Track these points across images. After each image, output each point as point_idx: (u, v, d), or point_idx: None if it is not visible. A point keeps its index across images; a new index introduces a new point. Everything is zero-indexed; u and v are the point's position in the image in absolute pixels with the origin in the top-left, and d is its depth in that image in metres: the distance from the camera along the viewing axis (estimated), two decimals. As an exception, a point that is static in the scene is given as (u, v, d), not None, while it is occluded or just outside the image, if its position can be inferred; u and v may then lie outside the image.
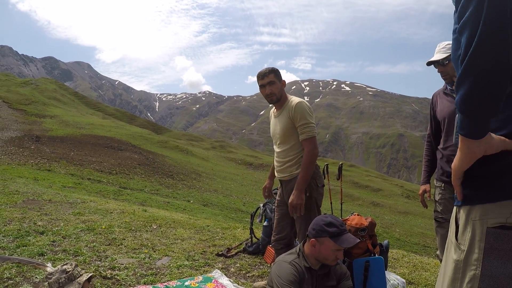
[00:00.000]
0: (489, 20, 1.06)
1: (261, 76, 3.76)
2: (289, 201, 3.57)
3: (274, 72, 3.76)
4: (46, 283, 2.72)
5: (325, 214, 3.13)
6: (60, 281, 2.68)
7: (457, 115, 1.26)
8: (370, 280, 3.70)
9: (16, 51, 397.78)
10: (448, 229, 1.52)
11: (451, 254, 1.42)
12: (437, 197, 3.70)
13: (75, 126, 35.03)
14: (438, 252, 3.77)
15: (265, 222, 5.51)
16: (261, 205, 5.76)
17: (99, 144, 26.91)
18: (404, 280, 4.27)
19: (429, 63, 3.59)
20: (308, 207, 3.63)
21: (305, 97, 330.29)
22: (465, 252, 1.34)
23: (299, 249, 3.01)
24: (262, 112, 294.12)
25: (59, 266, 2.76)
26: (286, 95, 3.84)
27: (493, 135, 1.26)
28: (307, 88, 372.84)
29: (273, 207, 5.24)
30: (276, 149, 3.91)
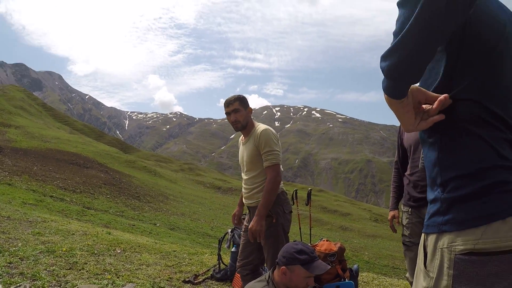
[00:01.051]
0: (427, 4, 1.12)
1: (226, 104, 3.82)
2: (249, 226, 3.56)
3: (239, 100, 3.81)
4: None
5: (295, 241, 3.08)
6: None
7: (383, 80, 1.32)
8: (340, 305, 3.67)
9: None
10: (416, 252, 1.52)
11: (421, 282, 1.43)
12: (405, 222, 3.81)
13: (40, 139, 34.29)
14: (407, 275, 3.86)
15: (233, 248, 5.43)
16: (229, 230, 5.69)
17: (64, 160, 26.27)
18: (374, 305, 4.23)
19: None
20: (275, 234, 3.63)
21: (276, 123, 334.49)
22: (434, 279, 1.36)
23: (269, 276, 2.94)
24: (232, 136, 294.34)
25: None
26: (253, 122, 3.90)
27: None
28: (278, 114, 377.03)
29: (242, 232, 5.19)
30: (244, 176, 3.93)
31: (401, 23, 1.19)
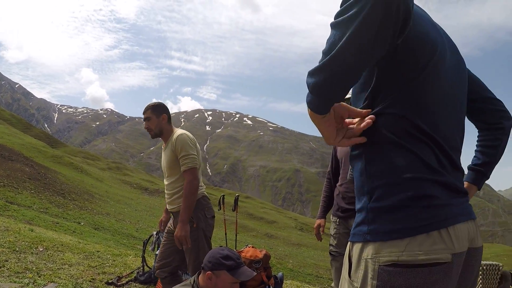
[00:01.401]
0: (359, 29, 1.15)
1: (143, 112, 4.02)
2: (175, 233, 3.62)
3: (152, 108, 3.99)
4: None
5: (221, 246, 3.12)
6: None
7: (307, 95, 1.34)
8: (264, 311, 3.74)
9: None
10: (342, 262, 1.55)
11: None
12: (332, 232, 3.89)
13: (-40, 128, 32.17)
14: (333, 284, 3.95)
15: (158, 250, 5.39)
16: (155, 233, 5.66)
17: (-12, 150, 24.86)
18: (296, 312, 4.33)
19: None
20: (196, 238, 3.70)
21: (207, 127, 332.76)
22: None
23: (194, 281, 2.97)
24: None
25: None
26: (171, 128, 4.03)
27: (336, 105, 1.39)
28: (210, 118, 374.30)
29: (164, 233, 5.25)
30: (165, 181, 4.00)
31: (331, 43, 1.20)
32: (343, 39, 1.16)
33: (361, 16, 1.14)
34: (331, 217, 4.04)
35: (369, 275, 1.33)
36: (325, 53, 1.22)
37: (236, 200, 7.05)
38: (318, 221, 4.20)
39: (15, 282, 4.64)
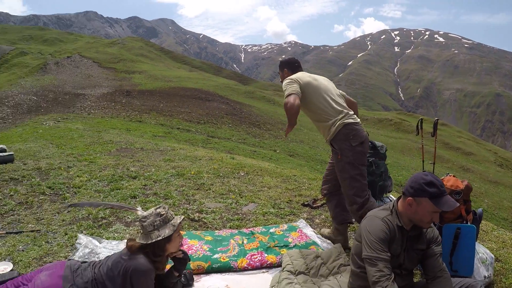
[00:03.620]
0: None
1: None
2: None
3: (278, 66, 4.86)
4: (140, 226, 2.82)
5: (425, 171, 2.90)
6: (155, 223, 2.77)
7: None
8: (458, 248, 3.52)
9: (101, 15, 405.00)
10: None
11: None
12: None
13: (163, 79, 35.70)
14: None
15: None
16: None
17: (187, 95, 27.46)
18: (493, 256, 3.86)
19: None
20: (341, 169, 3.91)
21: (396, 48, 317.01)
22: None
23: (393, 205, 2.86)
24: (350, 63, 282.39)
25: (152, 209, 2.85)
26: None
27: None
28: (397, 38, 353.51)
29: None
30: None
31: None
32: None
33: None
34: None
35: None
36: None
37: (435, 125, 6.59)
38: None
39: (219, 202, 5.15)
